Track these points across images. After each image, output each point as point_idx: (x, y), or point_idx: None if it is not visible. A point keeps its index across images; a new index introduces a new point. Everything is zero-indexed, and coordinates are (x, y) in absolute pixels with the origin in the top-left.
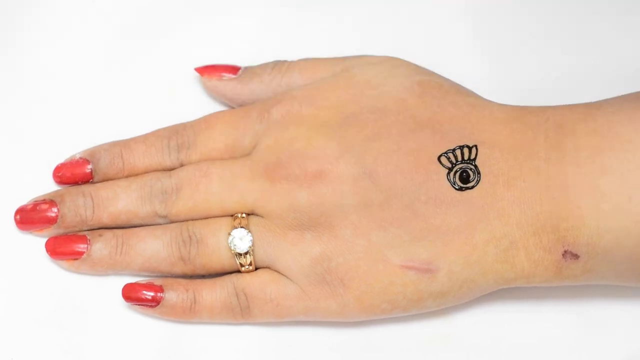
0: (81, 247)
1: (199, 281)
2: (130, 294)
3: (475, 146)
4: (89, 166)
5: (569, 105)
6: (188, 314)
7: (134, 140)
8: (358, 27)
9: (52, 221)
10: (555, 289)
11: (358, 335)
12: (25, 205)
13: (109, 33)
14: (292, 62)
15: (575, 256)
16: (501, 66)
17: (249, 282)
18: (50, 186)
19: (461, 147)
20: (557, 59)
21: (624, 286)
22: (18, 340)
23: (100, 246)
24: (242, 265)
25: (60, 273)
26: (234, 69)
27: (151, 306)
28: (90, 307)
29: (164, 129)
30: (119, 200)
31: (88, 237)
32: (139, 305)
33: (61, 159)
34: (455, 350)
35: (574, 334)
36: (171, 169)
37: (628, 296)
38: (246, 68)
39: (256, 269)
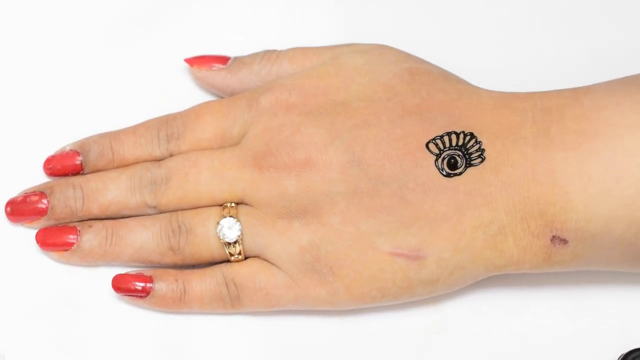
0: (71, 238)
1: (188, 271)
2: (120, 285)
3: (464, 132)
4: (79, 158)
5: (556, 91)
6: (178, 304)
7: (124, 131)
8: (349, 17)
9: (42, 213)
10: (547, 277)
11: (349, 324)
12: (16, 197)
13: (99, 24)
14: (281, 51)
15: (564, 241)
16: (491, 53)
17: (239, 271)
18: (40, 178)
19: (449, 134)
20: (548, 48)
21: (616, 272)
22: (8, 334)
23: (90, 237)
24: (231, 255)
25: (51, 265)
26: (223, 59)
27: (141, 297)
28: (80, 298)
29: (154, 119)
30: (108, 191)
31: (78, 228)
32: (128, 296)
33: (51, 151)
34: (447, 339)
35: (566, 321)
36: (161, 160)
37: (621, 283)
38: (236, 58)
39: (246, 258)
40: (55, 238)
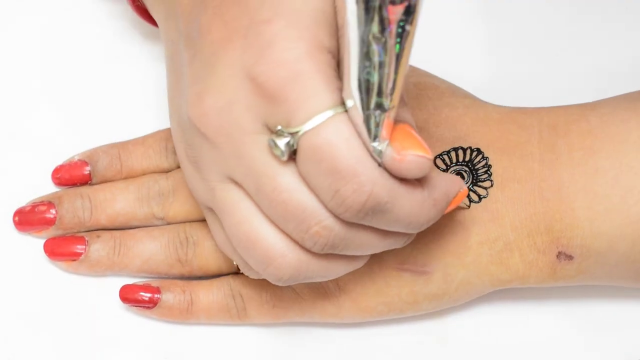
0: (79, 248)
1: (195, 282)
2: (128, 295)
3: (470, 148)
4: (87, 168)
5: (563, 106)
6: (185, 315)
7: (132, 142)
8: None
9: (50, 222)
10: (551, 290)
11: (354, 336)
12: (24, 207)
13: (108, 34)
14: None
15: (570, 257)
16: (498, 67)
17: (246, 283)
18: (48, 188)
19: (456, 149)
20: (554, 60)
21: (619, 287)
22: (16, 340)
23: (98, 247)
24: (238, 267)
25: (59, 274)
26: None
27: (148, 307)
28: (88, 308)
29: (162, 131)
30: (116, 202)
31: (86, 239)
32: (136, 306)
33: (60, 160)
34: (451, 352)
35: (571, 333)
36: (169, 171)
37: (625, 297)
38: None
39: None
40: (64, 248)
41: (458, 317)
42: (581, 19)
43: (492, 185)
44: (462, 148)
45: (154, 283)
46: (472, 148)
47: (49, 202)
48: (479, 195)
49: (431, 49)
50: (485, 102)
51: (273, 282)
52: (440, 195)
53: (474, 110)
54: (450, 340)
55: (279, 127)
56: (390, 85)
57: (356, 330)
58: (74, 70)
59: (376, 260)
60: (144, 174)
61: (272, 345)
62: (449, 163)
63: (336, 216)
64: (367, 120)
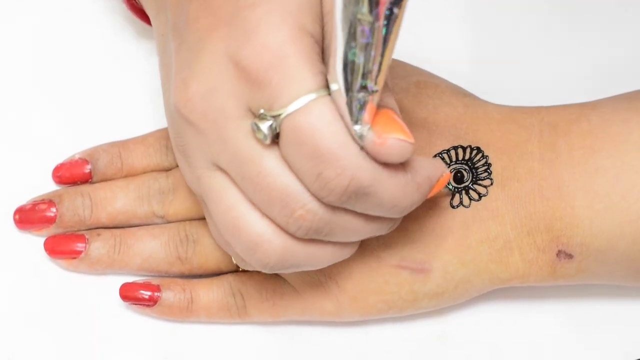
0: (79, 246)
1: (195, 281)
2: (128, 293)
3: (470, 146)
4: (88, 166)
5: (563, 106)
6: (185, 313)
7: (133, 141)
8: None
9: (50, 221)
10: (550, 289)
11: (354, 335)
12: (24, 205)
13: (108, 33)
14: None
15: (570, 256)
16: (497, 66)
17: (246, 282)
18: (49, 186)
19: (455, 148)
20: (553, 59)
21: (619, 285)
22: (16, 339)
23: (98, 245)
24: (238, 265)
25: (59, 273)
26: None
27: (148, 305)
28: (88, 306)
29: (162, 129)
30: (116, 200)
31: (86, 237)
32: (136, 304)
33: (60, 159)
34: (451, 350)
35: (570, 331)
36: (169, 170)
37: (624, 296)
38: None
39: None
40: (64, 246)
41: (457, 316)
42: (582, 19)
43: (492, 184)
44: (462, 147)
45: (154, 281)
46: (472, 147)
47: (49, 201)
48: (479, 194)
49: (431, 49)
50: (486, 101)
51: (260, 269)
52: (423, 179)
53: (474, 109)
54: (450, 339)
55: (262, 111)
56: (375, 68)
57: (355, 328)
58: (74, 69)
59: (375, 258)
60: (144, 172)
61: (272, 344)
62: (448, 162)
63: (320, 200)
64: (350, 103)
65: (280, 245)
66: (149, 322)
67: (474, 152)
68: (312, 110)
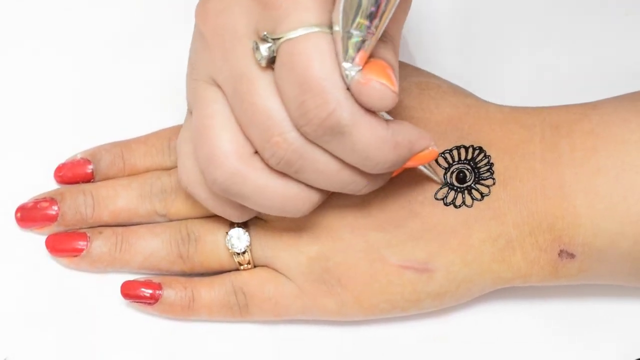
0: (81, 244)
1: (197, 279)
2: (129, 291)
3: (472, 146)
4: (90, 166)
5: (565, 106)
6: (186, 311)
7: (135, 140)
8: None
9: (52, 219)
10: (551, 289)
11: (356, 334)
12: (26, 203)
13: (111, 33)
14: None
15: (571, 256)
16: (498, 67)
17: (247, 280)
18: (51, 186)
19: (458, 148)
20: (555, 59)
21: (619, 286)
22: (17, 337)
23: (100, 243)
24: (240, 264)
25: (61, 271)
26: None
27: (149, 304)
28: (89, 304)
29: (165, 129)
30: (119, 198)
31: (88, 235)
32: (137, 302)
33: (62, 158)
34: (452, 350)
35: (570, 333)
36: (171, 169)
37: (624, 296)
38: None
39: (255, 266)
40: (65, 244)
41: (459, 316)
42: (582, 19)
43: (494, 184)
44: (464, 146)
45: (156, 279)
46: (474, 147)
47: (51, 199)
48: (481, 194)
49: (432, 49)
50: (487, 102)
51: (209, 186)
52: (404, 140)
53: (476, 110)
54: (452, 339)
55: (265, 33)
56: (373, 10)
57: (356, 328)
58: (77, 68)
59: (378, 259)
60: (146, 172)
61: (273, 344)
62: (450, 161)
63: (298, 130)
64: (344, 39)
65: (234, 166)
66: (150, 321)
67: (476, 152)
68: (310, 40)
